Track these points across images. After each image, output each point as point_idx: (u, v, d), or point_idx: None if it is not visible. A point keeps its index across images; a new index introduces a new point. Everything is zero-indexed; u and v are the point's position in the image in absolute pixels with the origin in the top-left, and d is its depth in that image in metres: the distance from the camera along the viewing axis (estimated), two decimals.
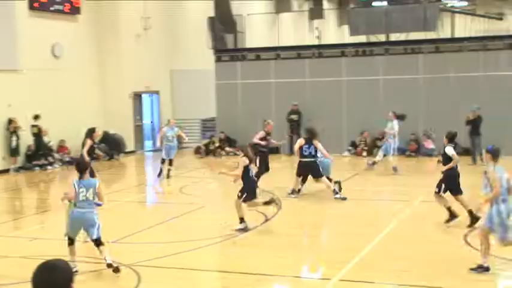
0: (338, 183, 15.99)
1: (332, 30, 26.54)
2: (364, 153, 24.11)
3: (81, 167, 10.27)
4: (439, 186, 12.64)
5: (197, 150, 26.55)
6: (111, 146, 25.63)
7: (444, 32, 26.04)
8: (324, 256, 11.05)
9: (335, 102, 24.81)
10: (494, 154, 9.59)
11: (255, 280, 9.63)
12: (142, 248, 11.91)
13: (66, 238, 10.19)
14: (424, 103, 23.90)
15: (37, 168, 22.61)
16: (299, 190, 16.31)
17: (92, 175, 14.33)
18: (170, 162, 20.09)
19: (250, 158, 12.89)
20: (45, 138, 23.02)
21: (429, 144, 23.65)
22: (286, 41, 26.59)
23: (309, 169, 16.01)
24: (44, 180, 21.38)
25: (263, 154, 17.15)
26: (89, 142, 15.95)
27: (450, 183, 12.63)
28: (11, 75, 22.06)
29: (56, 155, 23.33)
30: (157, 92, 29.20)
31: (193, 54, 29.83)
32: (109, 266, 9.75)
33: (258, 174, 16.40)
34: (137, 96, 28.14)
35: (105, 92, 26.79)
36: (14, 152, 22.25)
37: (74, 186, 9.94)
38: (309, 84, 25.39)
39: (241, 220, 12.66)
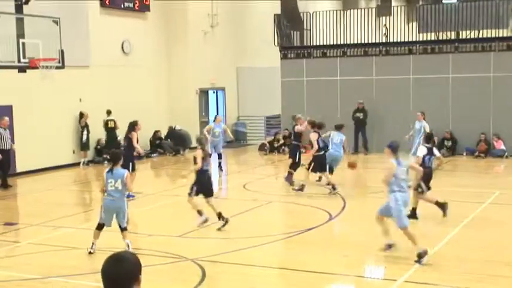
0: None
1: (400, 27, 26.11)
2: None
3: (114, 158, 11.02)
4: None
5: (261, 147, 26.64)
6: (177, 141, 25.99)
7: None
8: (388, 256, 10.91)
9: (402, 100, 24.47)
10: (393, 149, 10.42)
11: (317, 278, 9.61)
12: (206, 243, 12.03)
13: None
14: (494, 102, 23.33)
15: (106, 162, 23.09)
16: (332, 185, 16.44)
17: (130, 167, 14.83)
18: (219, 156, 20.66)
19: (205, 151, 12.86)
20: (117, 133, 23.50)
21: (500, 145, 23.08)
22: (352, 38, 26.34)
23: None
24: None
25: (299, 149, 18.00)
26: (134, 135, 16.06)
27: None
28: (82, 71, 22.58)
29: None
30: (223, 89, 29.43)
31: (259, 51, 29.96)
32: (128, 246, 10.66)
33: (294, 167, 17.79)
34: (203, 93, 28.41)
35: (172, 88, 27.16)
36: (84, 146, 22.79)
37: (104, 177, 10.73)
38: (375, 82, 25.14)
39: (199, 213, 12.58)
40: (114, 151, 12.07)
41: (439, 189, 16.86)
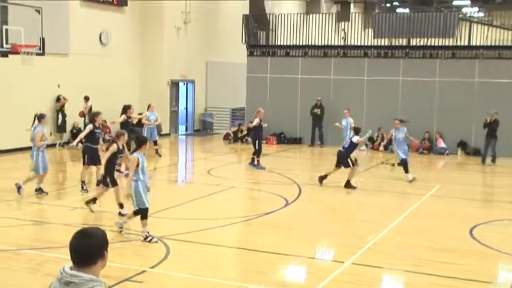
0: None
1: (357, 32, 26.32)
2: (381, 148, 23.94)
3: (139, 142, 10.44)
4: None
5: (226, 137, 26.66)
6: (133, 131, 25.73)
7: (461, 40, 25.69)
8: (338, 241, 11.04)
9: (356, 99, 24.70)
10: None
11: (272, 258, 9.66)
12: (172, 223, 12.00)
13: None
14: (438, 104, 23.71)
15: (81, 144, 22.78)
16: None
17: (92, 160, 14.44)
18: (155, 143, 20.21)
19: (118, 146, 12.29)
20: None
21: (441, 143, 23.46)
22: (314, 40, 26.46)
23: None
24: None
25: (259, 138, 18.69)
26: (89, 126, 14.51)
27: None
28: (61, 59, 22.26)
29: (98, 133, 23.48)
30: (192, 81, 29.30)
31: (228, 48, 29.94)
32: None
33: (258, 154, 18.54)
34: (174, 84, 28.25)
35: (145, 79, 26.94)
36: (60, 128, 22.51)
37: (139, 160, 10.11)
38: (333, 81, 25.31)
39: (121, 206, 12.07)
40: (141, 136, 11.36)
41: (385, 180, 17.14)
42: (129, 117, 17.29)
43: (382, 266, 9.35)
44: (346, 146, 16.21)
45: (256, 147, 18.62)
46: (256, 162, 18.73)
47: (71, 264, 3.35)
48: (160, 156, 20.63)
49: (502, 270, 9.60)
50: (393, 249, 10.40)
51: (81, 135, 14.69)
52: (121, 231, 10.52)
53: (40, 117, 13.96)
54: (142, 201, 10.14)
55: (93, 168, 14.76)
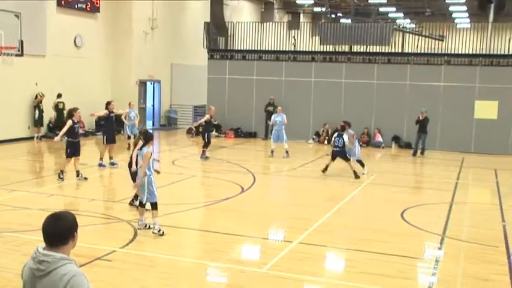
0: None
1: (305, 39, 26.47)
2: (325, 142, 24.23)
3: (147, 137, 9.85)
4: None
5: (189, 131, 26.52)
6: (118, 124, 25.38)
7: (396, 47, 26.10)
8: (288, 223, 11.13)
9: (305, 98, 24.88)
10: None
11: (229, 239, 9.68)
12: None
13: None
14: (376, 104, 24.08)
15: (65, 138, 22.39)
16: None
17: (73, 152, 14.19)
18: (134, 137, 19.78)
19: (74, 121, 13.98)
20: (65, 113, 22.82)
21: (378, 138, 23.84)
22: (267, 45, 26.50)
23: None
24: (61, 148, 21.17)
25: (208, 132, 18.74)
26: (69, 122, 14.17)
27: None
28: (39, 60, 21.77)
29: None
30: (159, 81, 29.02)
31: (190, 51, 29.75)
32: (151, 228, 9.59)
33: (207, 146, 18.63)
34: (142, 84, 27.93)
35: (116, 79, 26.57)
36: (37, 122, 22.04)
37: (152, 155, 9.64)
38: (284, 82, 25.41)
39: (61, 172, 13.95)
40: (147, 131, 10.36)
41: (329, 170, 17.31)
42: (111, 112, 16.87)
43: (325, 245, 9.48)
44: (340, 145, 16.02)
45: (205, 139, 18.59)
46: (202, 153, 18.68)
47: (44, 245, 3.30)
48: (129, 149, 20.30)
49: (428, 248, 9.83)
50: (335, 230, 10.55)
51: (63, 131, 14.14)
52: (149, 227, 9.75)
53: None
54: (154, 194, 9.69)
55: (73, 159, 14.40)
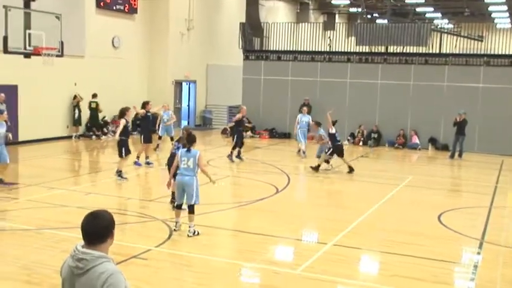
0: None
1: (341, 40, 26.32)
2: (361, 143, 24.03)
3: (191, 139, 9.77)
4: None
5: (223, 131, 26.61)
6: (153, 123, 25.67)
7: (433, 48, 25.72)
8: (322, 224, 11.07)
9: (340, 99, 24.71)
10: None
11: (263, 239, 9.67)
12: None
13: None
14: (412, 105, 23.76)
15: (94, 136, 22.85)
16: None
17: (128, 151, 14.37)
18: (172, 138, 19.38)
19: (127, 120, 14.19)
20: (100, 114, 23.21)
21: (415, 139, 23.52)
22: (302, 46, 26.43)
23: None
24: (98, 147, 21.57)
25: (240, 132, 18.39)
26: (123, 121, 14.46)
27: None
28: (78, 60, 22.19)
29: (110, 128, 23.49)
30: (194, 81, 29.23)
31: (226, 52, 29.91)
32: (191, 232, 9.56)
33: (235, 147, 18.19)
34: (178, 84, 28.19)
35: (152, 79, 26.88)
36: (76, 122, 22.46)
37: (178, 155, 9.64)
38: (319, 83, 25.30)
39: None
40: (192, 133, 10.25)
41: (365, 172, 17.17)
42: (148, 111, 17.01)
43: (360, 247, 9.39)
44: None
45: (235, 140, 18.20)
46: (231, 155, 18.19)
47: (82, 242, 3.36)
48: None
49: (465, 252, 9.66)
50: (370, 232, 10.45)
51: (119, 130, 14.33)
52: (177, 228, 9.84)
53: None
54: (199, 196, 9.68)
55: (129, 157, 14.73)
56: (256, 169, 17.23)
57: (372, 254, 9.23)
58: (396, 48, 25.39)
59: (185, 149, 9.66)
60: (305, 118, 20.24)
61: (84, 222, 3.36)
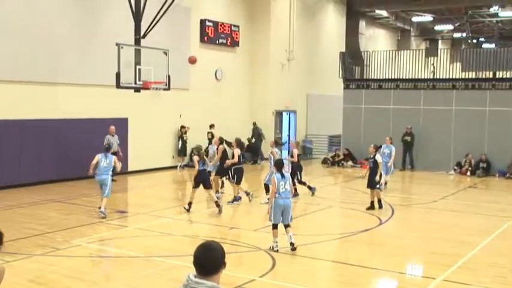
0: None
1: (445, 66, 25.55)
2: (468, 173, 22.99)
3: (279, 165, 10.68)
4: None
5: (324, 161, 26.51)
6: (254, 153, 26.17)
7: None
8: (429, 258, 10.64)
9: (444, 127, 23.89)
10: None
11: (365, 272, 9.46)
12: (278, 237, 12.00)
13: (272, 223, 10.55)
14: None
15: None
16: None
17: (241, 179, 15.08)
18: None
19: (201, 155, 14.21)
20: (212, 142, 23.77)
21: None
22: (404, 74, 25.92)
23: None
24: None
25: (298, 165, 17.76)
26: (237, 151, 15.61)
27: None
28: (183, 92, 23.09)
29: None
30: (294, 111, 29.44)
31: (326, 82, 29.98)
32: (291, 244, 10.36)
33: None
34: (278, 114, 28.51)
35: (253, 109, 27.40)
36: (180, 152, 23.26)
37: (276, 180, 10.33)
38: (422, 111, 24.62)
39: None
40: (279, 160, 11.42)
41: (474, 203, 16.38)
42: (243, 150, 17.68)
43: (471, 284, 8.91)
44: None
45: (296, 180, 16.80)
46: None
47: (194, 272, 3.45)
48: None
49: None
50: (482, 268, 9.90)
51: (235, 160, 15.50)
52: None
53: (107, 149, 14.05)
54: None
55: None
56: (358, 199, 16.92)
57: None
58: (505, 74, 24.27)
59: (279, 174, 10.42)
60: (386, 149, 18.55)
61: (197, 254, 3.44)
